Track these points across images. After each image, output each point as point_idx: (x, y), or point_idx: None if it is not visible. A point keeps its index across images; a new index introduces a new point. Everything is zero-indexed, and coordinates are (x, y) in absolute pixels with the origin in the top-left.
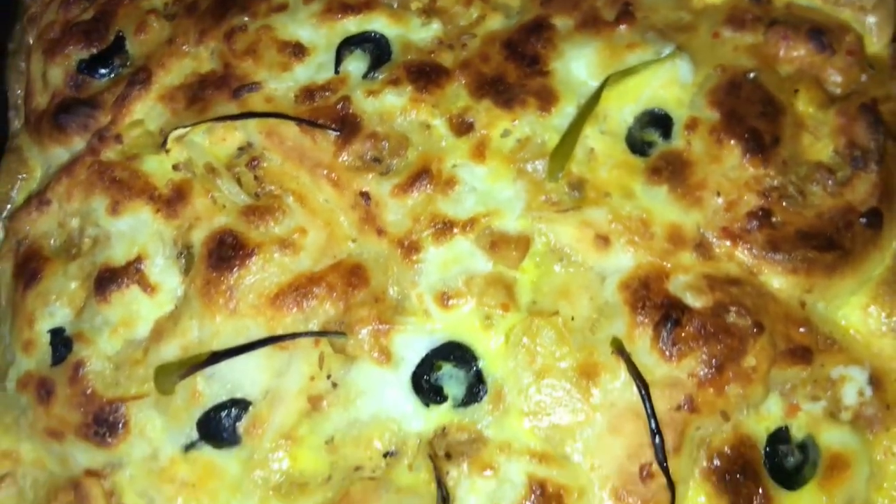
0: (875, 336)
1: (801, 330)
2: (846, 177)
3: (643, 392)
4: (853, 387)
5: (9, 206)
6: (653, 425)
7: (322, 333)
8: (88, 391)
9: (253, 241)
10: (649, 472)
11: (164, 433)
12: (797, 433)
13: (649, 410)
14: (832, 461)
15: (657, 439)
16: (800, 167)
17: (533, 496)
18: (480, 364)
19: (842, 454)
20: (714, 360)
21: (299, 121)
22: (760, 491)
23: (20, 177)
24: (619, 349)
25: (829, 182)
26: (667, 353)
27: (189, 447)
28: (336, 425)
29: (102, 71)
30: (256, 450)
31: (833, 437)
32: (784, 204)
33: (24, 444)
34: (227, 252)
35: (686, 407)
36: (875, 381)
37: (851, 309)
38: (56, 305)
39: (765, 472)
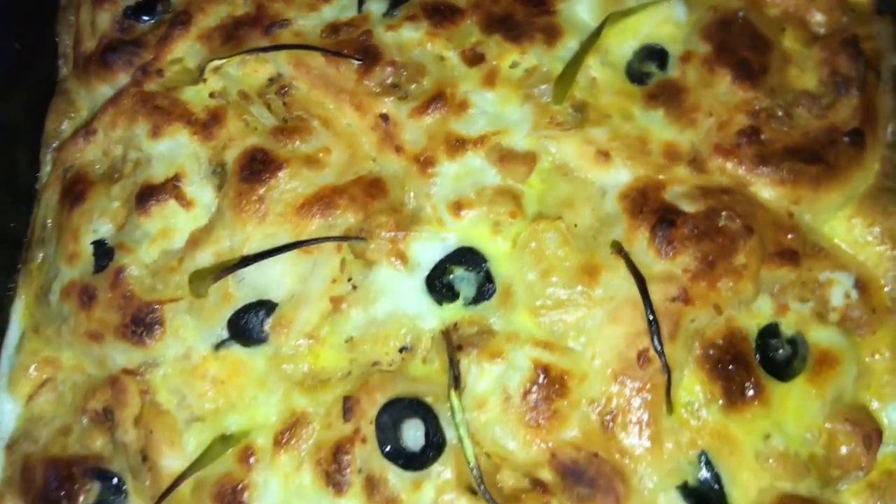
0: (860, 245)
1: (790, 236)
2: (830, 102)
3: (640, 284)
4: (840, 289)
5: (57, 142)
6: (649, 314)
7: (344, 238)
8: (128, 295)
9: (281, 156)
10: (646, 357)
11: (197, 333)
12: (787, 330)
13: (646, 301)
14: (821, 357)
15: (654, 327)
16: (787, 94)
17: (538, 379)
18: (489, 266)
19: (830, 351)
20: (706, 257)
21: (325, 51)
22: (752, 379)
23: (68, 116)
24: (618, 249)
25: (815, 106)
26: (662, 251)
27: (219, 346)
28: (355, 324)
29: (146, 17)
30: (282, 347)
31: (821, 336)
32: (772, 124)
33: (65, 352)
34: (257, 166)
35: (680, 299)
36: (861, 285)
37: (837, 222)
38: (99, 222)
39: (756, 363)
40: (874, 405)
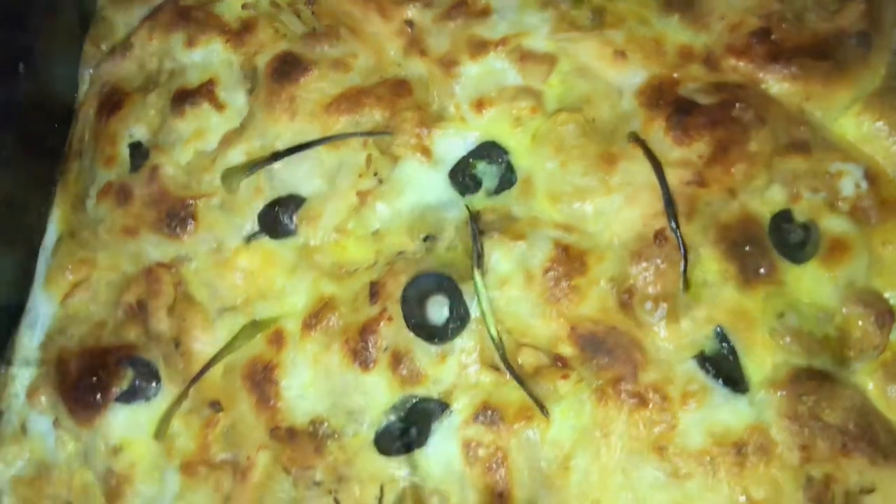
0: (869, 140)
1: (801, 128)
2: (837, 7)
3: (657, 168)
4: (850, 180)
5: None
6: (666, 195)
7: (371, 133)
8: (162, 191)
9: (310, 59)
10: (663, 236)
11: (228, 227)
12: (799, 216)
13: (663, 183)
14: (833, 243)
15: (670, 207)
16: (795, 0)
17: (558, 258)
18: (510, 158)
19: (842, 238)
20: (720, 143)
21: None
22: (766, 260)
23: (106, 39)
24: (636, 138)
25: (823, 10)
26: (678, 138)
27: (250, 238)
28: (381, 217)
29: None
30: (310, 239)
31: (833, 223)
32: (783, 26)
33: (100, 253)
34: (287, 68)
35: (696, 182)
36: (870, 177)
37: (847, 119)
38: (135, 128)
39: (770, 245)
40: (886, 294)
